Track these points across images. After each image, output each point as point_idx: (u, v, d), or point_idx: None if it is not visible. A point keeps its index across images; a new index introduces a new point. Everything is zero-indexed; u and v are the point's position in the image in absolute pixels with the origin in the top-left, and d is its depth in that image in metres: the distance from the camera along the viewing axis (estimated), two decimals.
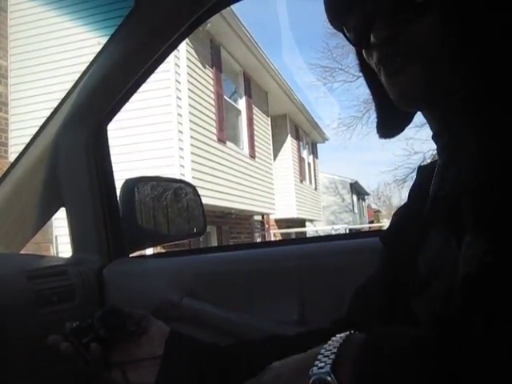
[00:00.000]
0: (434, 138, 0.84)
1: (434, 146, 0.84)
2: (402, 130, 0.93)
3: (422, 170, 0.93)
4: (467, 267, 0.61)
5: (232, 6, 8.44)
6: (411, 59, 0.73)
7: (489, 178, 0.62)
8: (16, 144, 7.95)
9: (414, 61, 0.73)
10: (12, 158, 7.32)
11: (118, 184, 1.51)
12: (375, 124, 0.92)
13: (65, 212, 1.50)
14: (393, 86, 0.77)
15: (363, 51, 0.82)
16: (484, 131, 0.69)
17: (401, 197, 27.57)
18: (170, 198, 1.65)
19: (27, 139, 1.52)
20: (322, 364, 0.57)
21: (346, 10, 0.80)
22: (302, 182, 16.57)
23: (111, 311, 0.99)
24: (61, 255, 6.50)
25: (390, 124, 0.91)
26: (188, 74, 9.12)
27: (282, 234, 15.56)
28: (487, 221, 0.61)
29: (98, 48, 1.40)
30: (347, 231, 17.58)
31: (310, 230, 18.59)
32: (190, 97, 9.09)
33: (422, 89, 0.74)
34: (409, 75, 0.74)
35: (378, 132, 0.93)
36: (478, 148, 0.67)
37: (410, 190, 0.93)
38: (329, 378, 0.56)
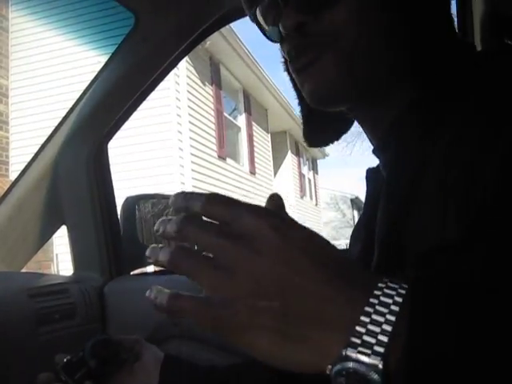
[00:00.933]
0: (375, 152, 0.74)
1: None
2: (337, 138, 0.84)
3: (371, 176, 0.80)
4: None
5: (231, 24, 8.48)
6: (324, 50, 0.64)
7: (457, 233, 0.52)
8: (17, 162, 7.96)
9: (328, 52, 0.64)
10: (13, 176, 7.32)
11: (119, 201, 1.52)
12: (302, 133, 0.84)
13: (66, 230, 1.50)
14: (303, 82, 0.68)
15: (279, 46, 0.72)
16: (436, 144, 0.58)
17: None
18: (171, 215, 1.65)
19: (28, 158, 1.52)
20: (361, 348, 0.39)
21: None
22: (302, 197, 16.57)
23: (101, 341, 0.94)
24: (62, 273, 6.48)
25: (317, 130, 0.83)
26: (188, 91, 9.16)
27: None
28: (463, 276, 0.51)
29: (99, 67, 1.41)
30: (348, 247, 17.51)
31: None
32: (189, 114, 9.13)
33: (335, 83, 0.65)
34: (321, 68, 0.65)
35: (306, 140, 0.84)
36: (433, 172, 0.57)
37: (364, 204, 0.80)
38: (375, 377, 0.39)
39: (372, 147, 0.75)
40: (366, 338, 0.39)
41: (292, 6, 0.64)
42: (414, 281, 0.42)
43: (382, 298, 0.40)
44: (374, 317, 0.39)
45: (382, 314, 0.39)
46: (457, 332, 0.38)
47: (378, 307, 0.40)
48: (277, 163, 15.00)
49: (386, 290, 0.41)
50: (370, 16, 0.63)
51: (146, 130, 8.29)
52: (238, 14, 1.33)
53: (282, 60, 0.77)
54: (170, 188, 8.16)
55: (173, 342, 1.21)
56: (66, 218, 1.49)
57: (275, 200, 0.54)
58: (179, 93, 8.92)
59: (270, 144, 14.05)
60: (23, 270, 1.58)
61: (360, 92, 0.66)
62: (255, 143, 12.68)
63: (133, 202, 1.52)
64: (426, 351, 0.38)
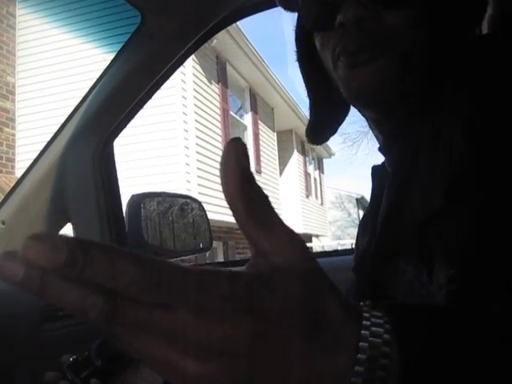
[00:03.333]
0: (382, 150, 0.76)
1: None
2: (331, 135, 0.86)
3: (376, 173, 0.81)
4: (435, 299, 0.56)
5: (238, 23, 8.49)
6: (380, 52, 0.64)
7: (452, 202, 0.56)
8: (23, 160, 8.00)
9: (384, 54, 0.64)
10: (19, 173, 7.35)
11: (124, 199, 1.52)
12: (306, 127, 0.84)
13: (71, 227, 1.50)
14: (352, 80, 0.67)
15: (316, 36, 0.72)
16: (441, 145, 0.60)
17: None
18: (176, 214, 1.65)
19: (34, 155, 1.52)
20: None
21: None
22: (308, 197, 16.56)
23: (107, 341, 0.96)
24: None
25: (321, 128, 0.84)
26: (194, 89, 9.16)
27: None
28: (451, 247, 0.55)
29: (105, 65, 1.41)
30: (353, 246, 17.50)
31: (316, 245, 18.54)
32: (196, 112, 9.13)
33: (384, 88, 0.65)
34: (375, 69, 0.64)
35: (308, 136, 0.85)
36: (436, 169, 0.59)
37: (370, 199, 0.82)
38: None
39: (378, 146, 0.76)
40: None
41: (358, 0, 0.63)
42: (394, 320, 0.39)
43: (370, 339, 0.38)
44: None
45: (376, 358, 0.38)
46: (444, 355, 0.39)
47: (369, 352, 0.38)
48: (282, 162, 15.00)
49: (371, 338, 0.38)
50: (426, 27, 0.63)
51: (151, 128, 8.30)
52: (244, 13, 1.33)
53: (296, 50, 0.77)
54: (176, 186, 8.17)
55: None
56: (72, 215, 1.49)
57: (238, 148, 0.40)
58: (185, 91, 8.92)
59: (275, 143, 14.05)
60: None
61: (404, 102, 0.67)
62: (261, 142, 12.68)
63: (138, 200, 1.52)
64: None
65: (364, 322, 0.38)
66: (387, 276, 0.66)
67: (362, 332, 0.38)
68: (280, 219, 0.40)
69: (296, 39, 0.79)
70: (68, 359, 0.92)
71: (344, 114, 0.84)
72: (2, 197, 1.57)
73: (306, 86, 0.81)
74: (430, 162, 0.60)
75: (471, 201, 0.54)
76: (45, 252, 0.31)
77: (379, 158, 0.77)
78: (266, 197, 0.39)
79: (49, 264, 0.31)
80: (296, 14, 0.78)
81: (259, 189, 0.39)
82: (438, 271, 0.56)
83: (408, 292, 0.62)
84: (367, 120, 0.77)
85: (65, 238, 0.31)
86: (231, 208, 0.39)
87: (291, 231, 0.40)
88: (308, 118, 0.84)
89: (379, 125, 0.74)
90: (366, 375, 0.37)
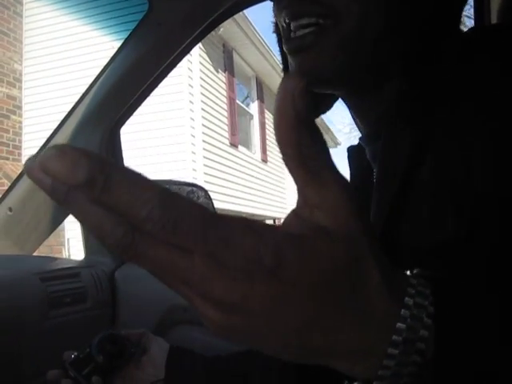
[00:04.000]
0: (364, 139, 0.70)
1: None
2: (317, 116, 0.80)
3: (353, 155, 0.77)
4: None
5: (245, 11, 8.46)
6: (323, 31, 0.58)
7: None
8: (29, 147, 8.01)
9: (327, 34, 0.58)
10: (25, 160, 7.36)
11: None
12: None
13: None
14: (297, 65, 0.62)
15: (273, 6, 0.66)
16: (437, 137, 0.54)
17: None
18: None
19: (41, 142, 1.53)
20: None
21: None
22: None
23: (108, 337, 0.96)
24: (73, 258, 6.52)
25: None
26: (201, 78, 9.14)
27: None
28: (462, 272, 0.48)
29: (112, 52, 1.41)
30: None
31: None
32: (202, 101, 9.12)
33: (333, 68, 0.60)
34: (318, 52, 0.59)
35: None
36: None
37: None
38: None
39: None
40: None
41: None
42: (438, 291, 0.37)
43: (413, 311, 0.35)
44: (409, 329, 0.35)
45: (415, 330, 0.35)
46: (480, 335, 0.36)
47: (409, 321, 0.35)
48: None
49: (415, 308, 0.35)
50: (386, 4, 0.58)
51: (158, 116, 8.30)
52: (251, 1, 1.33)
53: (273, 20, 0.71)
54: (182, 174, 8.18)
55: (183, 327, 1.22)
56: None
57: None
58: (192, 79, 8.91)
59: None
60: (35, 254, 1.59)
61: (355, 79, 0.62)
62: (267, 131, 12.66)
63: None
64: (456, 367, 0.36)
65: (406, 300, 0.35)
66: None
67: (402, 312, 0.35)
68: (337, 170, 0.35)
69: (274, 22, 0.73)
70: (70, 356, 0.93)
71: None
72: (9, 184, 1.58)
73: (282, 59, 0.74)
74: (440, 168, 0.53)
75: (494, 231, 0.48)
76: (63, 167, 0.29)
77: None
78: (325, 143, 0.35)
79: (67, 180, 0.30)
80: None
81: (317, 133, 0.35)
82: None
83: None
84: (348, 109, 0.71)
85: (88, 155, 0.29)
86: (282, 152, 0.35)
87: (347, 186, 0.34)
88: None
89: (356, 108, 0.69)
90: (400, 358, 0.35)
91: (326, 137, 17.66)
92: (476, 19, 1.34)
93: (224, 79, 10.31)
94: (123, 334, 0.98)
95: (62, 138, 1.48)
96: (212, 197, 1.73)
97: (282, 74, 0.69)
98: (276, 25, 0.70)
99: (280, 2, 0.62)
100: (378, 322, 0.35)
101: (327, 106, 0.76)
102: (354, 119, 0.72)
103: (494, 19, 1.20)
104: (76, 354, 0.93)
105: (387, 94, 0.63)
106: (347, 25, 0.58)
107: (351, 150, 0.77)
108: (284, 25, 0.62)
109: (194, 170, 8.75)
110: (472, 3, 1.32)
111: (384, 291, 0.34)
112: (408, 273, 0.39)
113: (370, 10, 0.57)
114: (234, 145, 10.37)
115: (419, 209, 0.54)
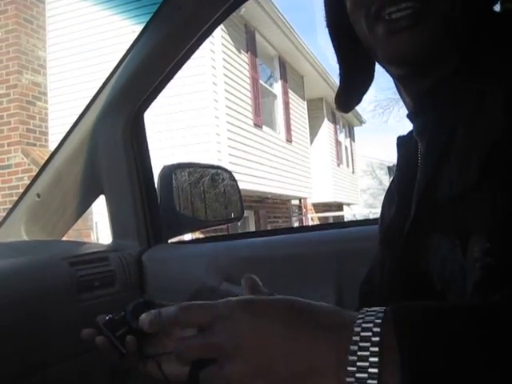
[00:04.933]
0: (412, 116, 0.74)
1: None
2: (356, 104, 0.85)
3: (402, 143, 0.82)
4: (472, 275, 0.55)
5: None
6: (422, 14, 0.63)
7: (486, 174, 0.56)
8: (56, 133, 8.09)
9: (426, 17, 0.63)
10: (52, 146, 7.45)
11: (156, 171, 1.53)
12: (335, 94, 0.84)
13: (104, 199, 1.52)
14: (393, 47, 0.66)
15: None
16: (479, 115, 0.60)
17: None
18: (208, 184, 1.66)
19: (66, 128, 1.54)
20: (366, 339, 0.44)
21: None
22: (339, 165, 16.47)
23: (143, 303, 0.96)
24: (101, 241, 6.59)
25: (348, 95, 0.84)
26: (223, 59, 9.12)
27: (319, 217, 15.52)
28: (487, 220, 0.55)
29: (134, 36, 1.41)
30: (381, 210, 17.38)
31: (348, 213, 18.49)
32: (225, 82, 9.10)
33: (427, 52, 0.64)
34: (417, 36, 0.63)
35: (336, 103, 0.85)
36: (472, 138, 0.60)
37: (396, 170, 0.82)
38: (374, 359, 0.44)
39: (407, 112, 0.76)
40: (358, 375, 0.44)
41: None
42: (388, 312, 0.46)
43: (362, 334, 0.45)
44: (360, 353, 0.44)
45: (366, 349, 0.44)
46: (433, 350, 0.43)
47: (360, 343, 0.44)
48: (313, 131, 14.90)
49: (364, 325, 0.45)
50: None
51: (181, 98, 8.31)
52: None
53: (325, 14, 0.78)
54: (207, 156, 8.20)
55: None
56: (105, 187, 1.51)
57: (250, 281, 0.74)
58: (214, 61, 8.89)
59: (306, 111, 13.95)
60: (64, 239, 1.61)
61: (435, 57, 0.66)
62: (291, 111, 12.61)
63: (169, 171, 1.53)
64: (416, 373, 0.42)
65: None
66: (421, 252, 0.66)
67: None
68: None
69: (325, 3, 0.79)
70: (104, 318, 0.94)
71: (369, 81, 0.84)
72: (37, 170, 1.60)
73: (336, 52, 0.81)
74: (469, 136, 0.60)
75: (507, 174, 0.54)
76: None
77: (410, 126, 0.76)
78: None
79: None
80: None
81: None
82: (472, 245, 0.56)
83: (442, 268, 0.62)
84: (395, 81, 0.76)
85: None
86: None
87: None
88: (337, 85, 0.85)
89: (412, 84, 0.73)
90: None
91: (351, 115, 17.54)
92: None
93: (247, 60, 10.27)
94: (158, 302, 1.00)
95: (86, 124, 1.49)
96: (237, 178, 1.73)
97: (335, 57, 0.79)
98: (333, 16, 0.77)
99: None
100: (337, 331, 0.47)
101: (365, 90, 0.83)
102: (402, 98, 0.77)
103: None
104: (110, 315, 0.95)
105: (437, 71, 0.68)
106: (440, 8, 0.63)
107: (400, 139, 0.82)
108: (374, 9, 0.66)
109: (219, 151, 8.77)
110: None
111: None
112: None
113: (454, 4, 0.63)
114: (258, 125, 10.36)
115: (453, 170, 0.61)
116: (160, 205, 1.51)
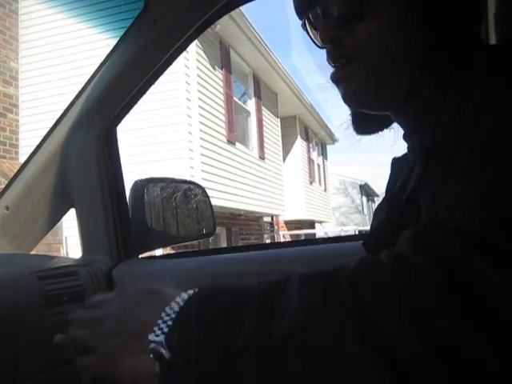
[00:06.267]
0: (405, 137, 0.82)
1: None
2: (381, 128, 0.90)
3: (395, 162, 0.87)
4: None
5: (241, 8, 8.45)
6: (355, 62, 0.72)
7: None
8: (26, 145, 8.01)
9: (358, 64, 0.72)
10: (23, 159, 7.37)
11: (128, 185, 1.52)
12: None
13: (75, 213, 1.51)
14: (340, 91, 0.78)
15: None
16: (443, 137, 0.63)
17: None
18: (180, 199, 1.65)
19: (37, 141, 1.52)
20: (159, 332, 0.58)
21: (303, 10, 0.81)
22: (311, 183, 16.56)
23: None
24: (71, 256, 6.50)
25: (363, 122, 0.88)
26: (197, 75, 9.14)
27: (291, 235, 15.56)
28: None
29: (108, 50, 1.41)
30: (357, 232, 17.53)
31: (320, 231, 18.57)
32: (199, 98, 9.11)
33: (365, 95, 0.75)
34: (351, 82, 0.74)
35: (354, 129, 0.91)
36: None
37: (386, 185, 0.87)
38: (163, 351, 0.57)
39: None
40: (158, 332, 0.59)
41: (329, 21, 0.73)
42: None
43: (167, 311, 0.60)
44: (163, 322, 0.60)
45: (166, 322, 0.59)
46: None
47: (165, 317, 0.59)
48: (286, 148, 14.98)
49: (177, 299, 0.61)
50: (395, 31, 0.70)
51: (155, 113, 8.29)
52: None
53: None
54: (180, 172, 8.17)
55: None
56: (75, 200, 1.50)
57: None
58: (189, 77, 8.90)
59: (279, 129, 14.02)
60: (33, 252, 1.58)
61: (385, 102, 0.76)
62: (265, 128, 12.66)
63: (142, 186, 1.52)
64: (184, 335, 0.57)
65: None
66: None
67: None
68: None
69: None
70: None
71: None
72: (6, 182, 1.57)
73: None
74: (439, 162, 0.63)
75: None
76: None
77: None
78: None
79: None
80: None
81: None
82: None
83: None
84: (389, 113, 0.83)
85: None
86: None
87: None
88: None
89: (393, 113, 0.81)
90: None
91: (324, 133, 17.68)
92: None
93: (221, 76, 10.31)
94: None
95: (58, 136, 1.48)
96: (209, 194, 1.73)
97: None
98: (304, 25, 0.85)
99: (323, 41, 0.77)
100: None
101: (386, 124, 0.89)
102: (395, 121, 0.84)
103: (490, 19, 1.20)
104: None
105: (414, 106, 0.75)
106: (373, 55, 0.71)
107: (395, 160, 0.87)
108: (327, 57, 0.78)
109: (192, 167, 8.75)
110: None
111: None
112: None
113: (387, 45, 0.70)
114: (231, 142, 10.37)
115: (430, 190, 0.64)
116: (131, 219, 1.50)
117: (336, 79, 0.76)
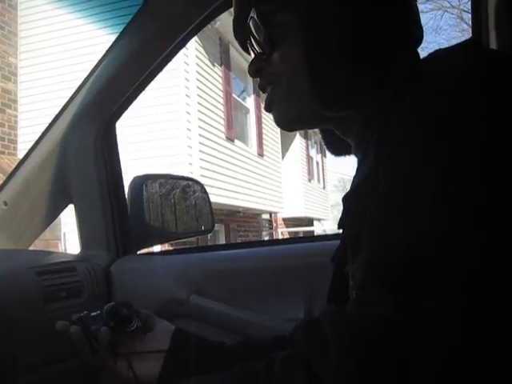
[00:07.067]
0: (353, 151, 0.83)
1: None
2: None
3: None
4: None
5: None
6: (275, 87, 0.78)
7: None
8: (25, 141, 7.98)
9: (277, 89, 0.78)
10: (21, 155, 7.35)
11: (127, 181, 1.52)
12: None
13: (73, 209, 1.51)
14: (273, 116, 0.82)
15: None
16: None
17: None
18: (178, 196, 1.65)
19: (36, 136, 1.52)
20: None
21: (243, 46, 0.87)
22: (310, 180, 16.55)
23: (122, 304, 1.01)
24: (69, 252, 6.50)
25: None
26: (197, 71, 9.12)
27: (289, 232, 15.56)
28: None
29: (107, 45, 1.41)
30: None
31: (318, 228, 18.57)
32: (198, 95, 9.10)
33: (290, 115, 0.79)
34: (276, 106, 0.79)
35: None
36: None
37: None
38: None
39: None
40: None
41: (255, 54, 0.80)
42: None
43: None
44: None
45: None
46: None
47: None
48: (285, 146, 14.96)
49: None
50: (303, 56, 0.72)
51: (154, 110, 8.28)
52: None
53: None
54: (178, 168, 8.17)
55: (178, 321, 1.22)
56: (74, 196, 1.49)
57: None
58: (188, 73, 8.89)
59: None
60: (31, 248, 1.58)
61: (314, 119, 0.79)
62: (264, 125, 12.65)
63: (140, 182, 1.52)
64: None
65: None
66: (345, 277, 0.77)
67: None
68: None
69: None
70: (79, 314, 0.97)
71: None
72: (4, 178, 1.57)
73: None
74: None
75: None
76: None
77: None
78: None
79: None
80: None
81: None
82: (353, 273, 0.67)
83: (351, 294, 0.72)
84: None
85: None
86: None
87: None
88: None
89: (341, 132, 0.82)
90: None
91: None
92: (473, 15, 1.34)
93: (220, 73, 10.29)
94: (135, 307, 1.03)
95: (57, 132, 1.47)
96: (208, 191, 1.73)
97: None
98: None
99: (249, 74, 0.82)
100: None
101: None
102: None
103: (491, 13, 1.19)
104: (86, 312, 0.97)
105: (355, 123, 0.77)
106: (286, 83, 0.76)
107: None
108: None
109: (190, 164, 8.74)
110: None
111: None
112: None
113: (297, 67, 0.73)
114: (230, 139, 10.36)
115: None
116: (130, 215, 1.50)
117: (265, 107, 0.82)
